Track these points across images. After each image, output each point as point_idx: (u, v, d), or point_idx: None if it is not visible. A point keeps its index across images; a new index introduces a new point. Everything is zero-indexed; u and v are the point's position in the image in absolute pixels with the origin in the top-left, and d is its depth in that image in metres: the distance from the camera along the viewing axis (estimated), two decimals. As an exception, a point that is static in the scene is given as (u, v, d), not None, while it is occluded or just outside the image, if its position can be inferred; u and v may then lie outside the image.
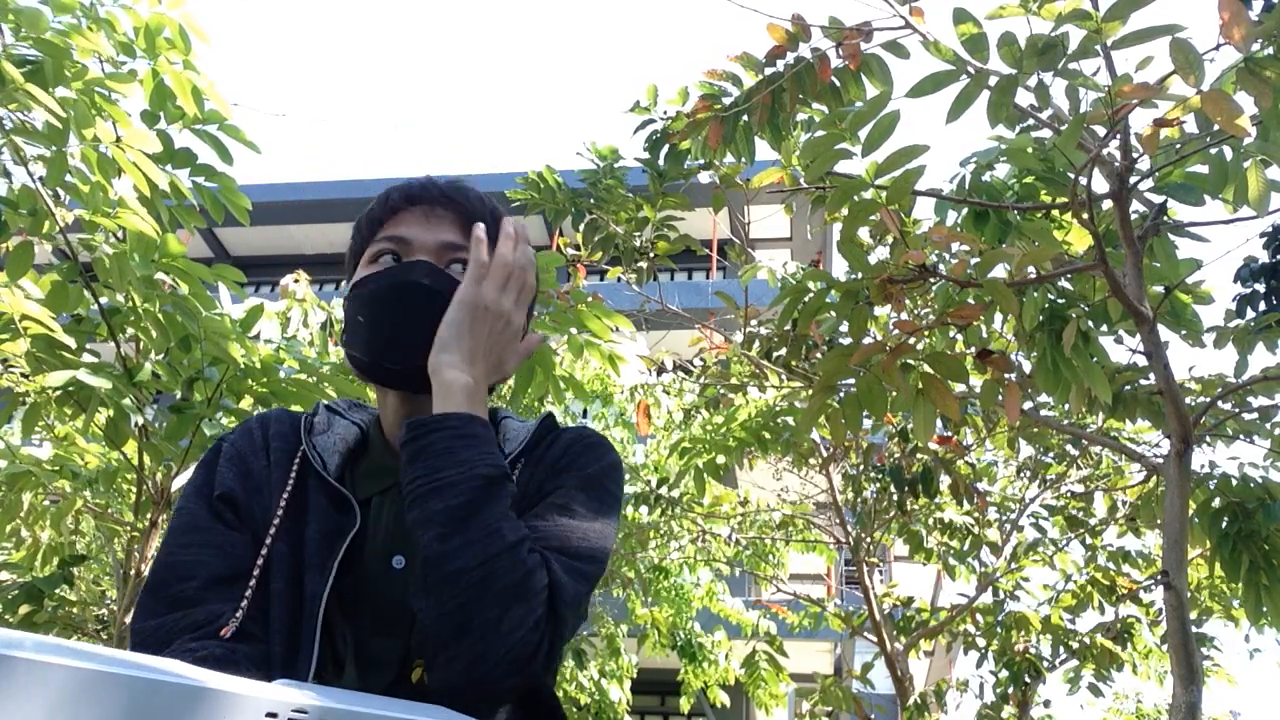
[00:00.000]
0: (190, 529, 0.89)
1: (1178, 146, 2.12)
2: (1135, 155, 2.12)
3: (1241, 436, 3.09)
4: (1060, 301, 2.48)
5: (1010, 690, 5.41)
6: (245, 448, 0.96)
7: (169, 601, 0.83)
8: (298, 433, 0.97)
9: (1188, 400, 2.89)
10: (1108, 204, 2.30)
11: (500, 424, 1.01)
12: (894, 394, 2.14)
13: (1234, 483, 2.76)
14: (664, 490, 5.53)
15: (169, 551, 0.88)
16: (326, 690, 0.59)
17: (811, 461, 5.27)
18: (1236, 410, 3.04)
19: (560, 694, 4.58)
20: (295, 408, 2.41)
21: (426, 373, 0.88)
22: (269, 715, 0.49)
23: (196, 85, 2.31)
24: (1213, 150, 2.06)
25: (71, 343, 2.32)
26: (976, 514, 5.19)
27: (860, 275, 2.17)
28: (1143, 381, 2.98)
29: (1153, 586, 5.20)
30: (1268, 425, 3.04)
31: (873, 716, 5.64)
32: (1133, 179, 2.17)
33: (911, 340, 2.08)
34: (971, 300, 2.19)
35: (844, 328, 2.35)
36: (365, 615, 0.88)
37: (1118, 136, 2.10)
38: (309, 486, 0.93)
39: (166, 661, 0.51)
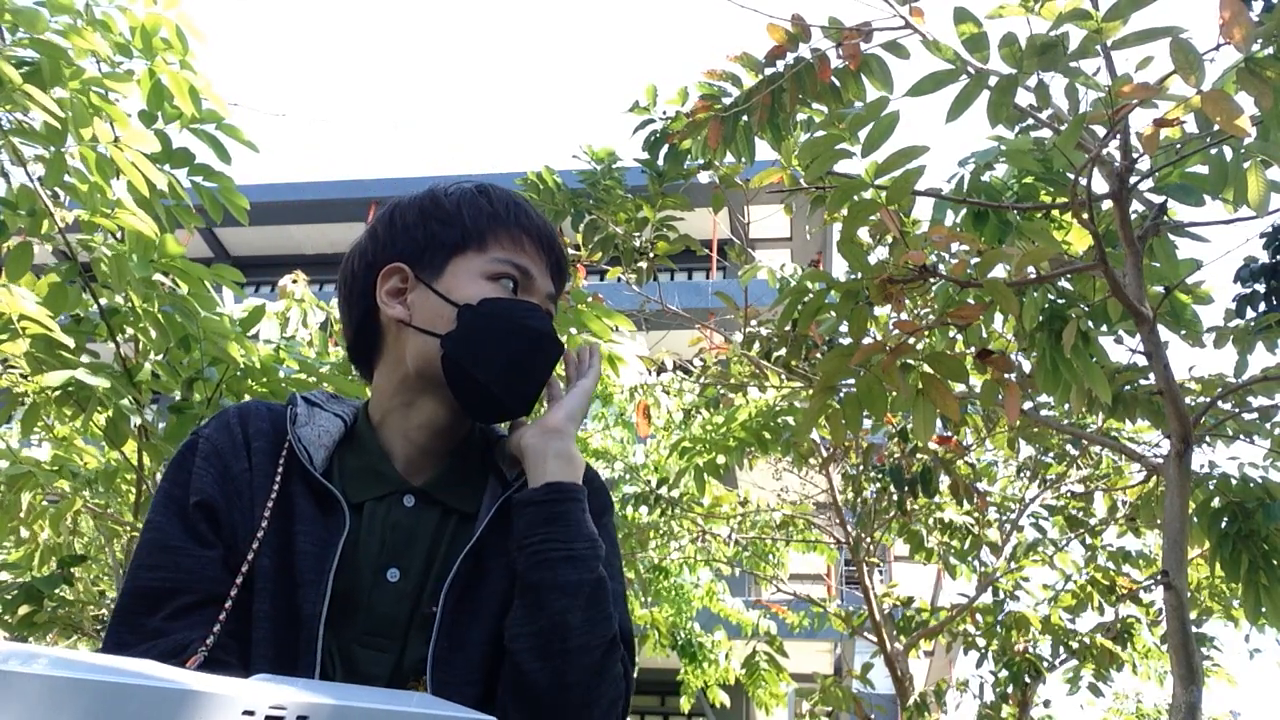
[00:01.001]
0: (159, 548, 0.84)
1: (1178, 146, 2.12)
2: (1135, 155, 2.12)
3: (1241, 436, 3.09)
4: (1060, 301, 2.48)
5: (1010, 690, 5.41)
6: (224, 445, 0.90)
7: (136, 631, 0.80)
8: (279, 429, 0.92)
9: (1188, 400, 2.89)
10: (1108, 204, 2.30)
11: (499, 441, 1.00)
12: (894, 394, 2.13)
13: (1234, 483, 2.76)
14: (664, 490, 5.53)
15: (136, 574, 0.84)
16: (306, 684, 0.57)
17: (811, 461, 5.27)
18: (1236, 410, 3.04)
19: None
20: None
21: (509, 411, 0.95)
22: (246, 714, 0.49)
23: (193, 85, 2.31)
24: (1213, 150, 2.06)
25: (70, 342, 2.31)
26: (976, 514, 5.19)
27: (860, 275, 2.17)
28: (1143, 381, 2.98)
29: (1153, 586, 5.20)
30: (1268, 425, 3.04)
31: (873, 716, 5.64)
32: (1133, 179, 2.17)
33: (911, 340, 2.08)
34: (971, 300, 2.19)
35: (844, 328, 2.34)
36: (354, 627, 0.85)
37: (1118, 136, 2.10)
38: (294, 490, 0.88)
39: (139, 664, 0.50)
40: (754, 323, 4.18)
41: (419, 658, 0.84)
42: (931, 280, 2.13)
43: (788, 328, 3.79)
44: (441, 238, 0.95)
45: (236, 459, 0.89)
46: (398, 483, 0.92)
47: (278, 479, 0.88)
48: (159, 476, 2.68)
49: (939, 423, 2.67)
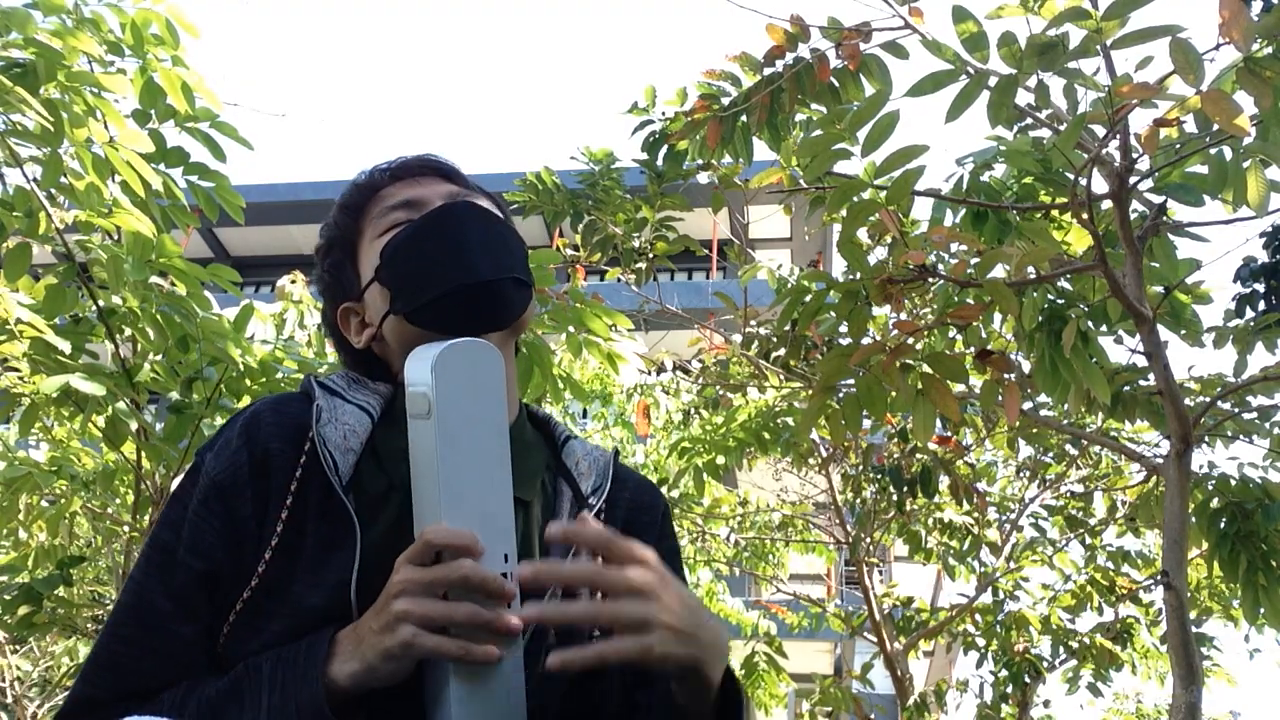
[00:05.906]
0: (138, 616, 0.79)
1: (1177, 146, 2.12)
2: (1135, 155, 2.11)
3: (1241, 436, 3.08)
4: (1060, 301, 2.48)
5: (1010, 690, 5.41)
6: (226, 481, 0.82)
7: (85, 703, 0.77)
8: (297, 430, 0.85)
9: (1187, 400, 2.89)
10: (1107, 204, 2.30)
11: (566, 443, 0.98)
12: (894, 394, 2.13)
13: (1233, 483, 2.75)
14: (663, 490, 5.52)
15: (112, 632, 0.79)
16: None
17: (811, 462, 5.27)
18: (1236, 410, 3.04)
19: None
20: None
21: (510, 290, 0.89)
22: None
23: (186, 81, 2.30)
24: (1212, 150, 2.06)
25: (66, 346, 2.29)
26: (976, 514, 5.19)
27: (860, 275, 2.16)
28: (1142, 381, 2.97)
29: (1152, 586, 5.20)
30: (1267, 425, 3.04)
31: (873, 716, 5.63)
32: (1132, 179, 2.17)
33: (911, 340, 2.08)
34: (971, 300, 2.19)
35: (844, 328, 2.34)
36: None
37: (1117, 136, 2.09)
38: (306, 518, 0.81)
39: None
40: (753, 323, 4.18)
41: None
42: (931, 280, 2.13)
43: (787, 328, 3.79)
44: (343, 235, 0.97)
45: (239, 499, 0.82)
46: None
47: (285, 510, 0.81)
48: (158, 477, 2.68)
49: (939, 423, 2.66)
